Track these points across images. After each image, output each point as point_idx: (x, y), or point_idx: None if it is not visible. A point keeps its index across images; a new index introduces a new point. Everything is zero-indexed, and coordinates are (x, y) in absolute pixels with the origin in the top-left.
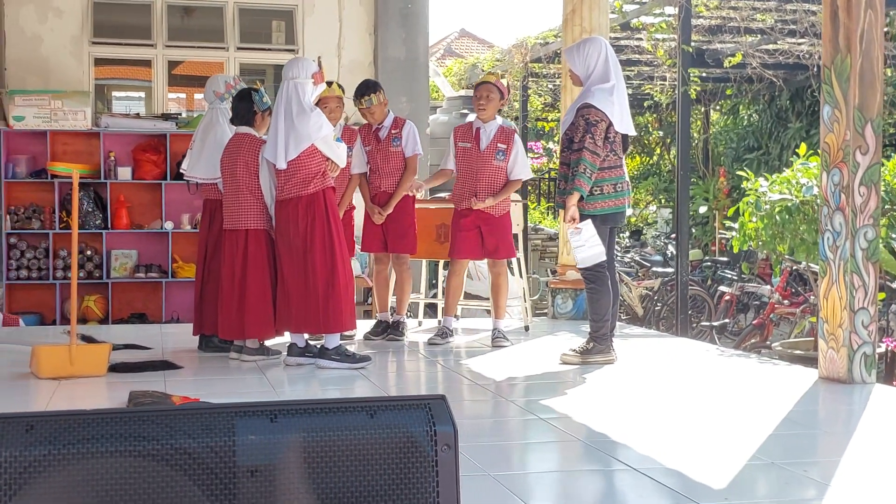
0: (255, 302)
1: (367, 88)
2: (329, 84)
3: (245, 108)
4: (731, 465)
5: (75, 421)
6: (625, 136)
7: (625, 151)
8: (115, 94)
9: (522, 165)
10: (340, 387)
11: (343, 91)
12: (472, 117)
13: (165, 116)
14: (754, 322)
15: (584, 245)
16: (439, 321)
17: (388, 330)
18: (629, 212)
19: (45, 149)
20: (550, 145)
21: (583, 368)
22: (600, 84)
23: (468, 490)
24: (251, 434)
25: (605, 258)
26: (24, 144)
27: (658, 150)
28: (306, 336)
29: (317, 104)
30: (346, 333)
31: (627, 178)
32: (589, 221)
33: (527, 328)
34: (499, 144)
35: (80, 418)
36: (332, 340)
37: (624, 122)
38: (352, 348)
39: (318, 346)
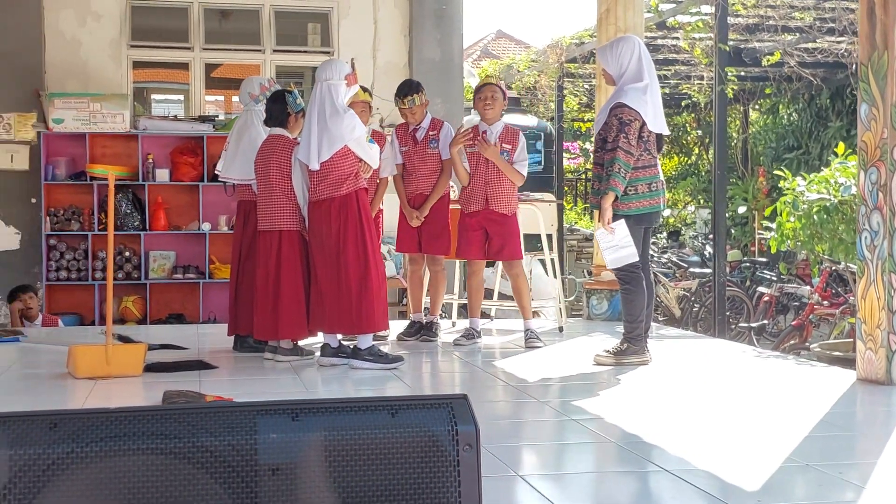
0: (288, 303)
1: (410, 88)
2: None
3: (279, 109)
4: (766, 467)
5: (98, 419)
6: (659, 136)
7: (659, 151)
8: (155, 96)
9: (521, 163)
10: (373, 387)
11: (371, 95)
12: (476, 120)
13: (202, 119)
14: (793, 323)
15: (615, 245)
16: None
17: (422, 331)
18: (666, 212)
19: (85, 151)
20: (587, 146)
21: (616, 370)
22: (633, 83)
23: (497, 491)
24: (273, 432)
25: (635, 259)
26: (64, 147)
27: (696, 150)
28: (339, 336)
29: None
30: (379, 334)
31: (662, 178)
32: (622, 222)
33: (561, 329)
34: (504, 145)
35: (103, 416)
36: (365, 341)
37: (658, 122)
38: (385, 349)
39: (352, 347)
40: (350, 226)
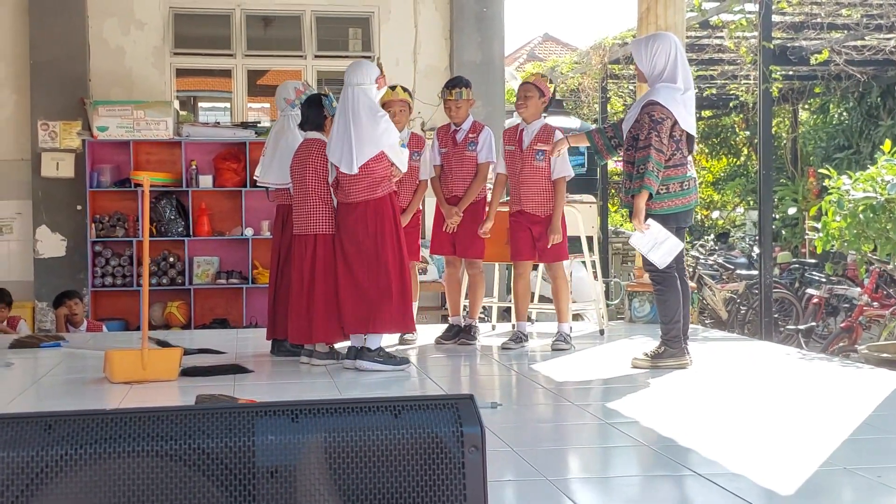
0: (323, 306)
1: (459, 82)
2: (393, 88)
3: (315, 113)
4: (803, 470)
5: (94, 421)
6: (690, 137)
7: (690, 153)
8: (202, 104)
9: (563, 163)
10: (410, 392)
11: (411, 96)
12: (517, 119)
13: (245, 125)
14: (842, 325)
15: (655, 243)
16: (513, 325)
17: (460, 334)
18: (715, 214)
19: (129, 158)
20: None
21: (654, 373)
22: (668, 83)
23: (530, 496)
24: (271, 434)
25: (681, 246)
26: (109, 154)
27: (745, 151)
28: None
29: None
30: (408, 337)
31: (695, 176)
32: (650, 220)
33: (602, 332)
34: (540, 144)
35: (98, 418)
36: (376, 341)
37: (689, 123)
38: (413, 353)
39: (360, 347)
40: (387, 228)
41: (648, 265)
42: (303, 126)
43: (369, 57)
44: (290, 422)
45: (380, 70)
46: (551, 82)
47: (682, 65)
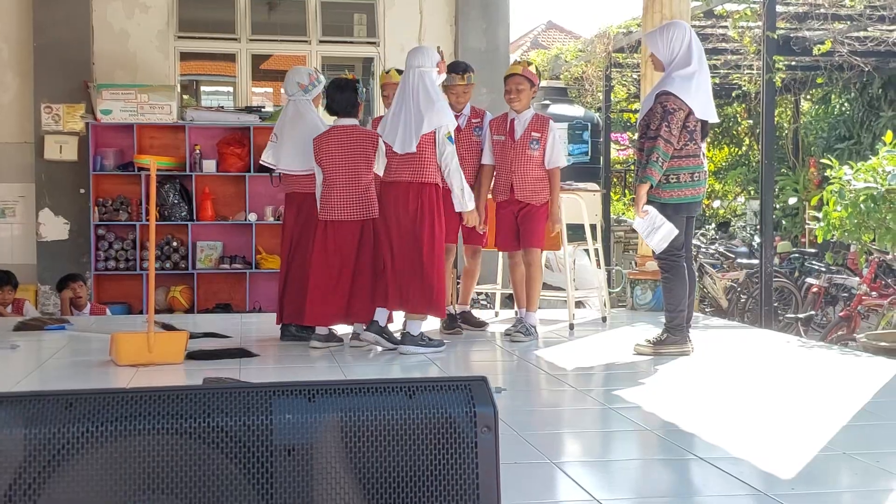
0: (370, 288)
1: (467, 66)
2: (387, 71)
3: (349, 98)
4: (802, 455)
5: (114, 399)
6: (705, 123)
7: (704, 138)
8: (205, 88)
9: (558, 153)
10: (410, 374)
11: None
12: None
13: (249, 109)
14: (841, 314)
15: (653, 228)
16: (516, 313)
17: (455, 322)
18: (716, 203)
19: (132, 142)
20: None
21: (657, 359)
22: (681, 70)
23: (533, 479)
24: (288, 413)
25: (676, 232)
26: (112, 138)
27: (747, 141)
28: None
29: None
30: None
31: (706, 168)
32: (649, 207)
33: (604, 319)
34: (532, 133)
35: (118, 396)
36: (416, 327)
37: (707, 110)
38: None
39: (401, 333)
40: (426, 211)
41: (658, 253)
42: (334, 111)
43: (374, 42)
44: (307, 401)
45: (441, 56)
46: (537, 69)
47: (697, 47)
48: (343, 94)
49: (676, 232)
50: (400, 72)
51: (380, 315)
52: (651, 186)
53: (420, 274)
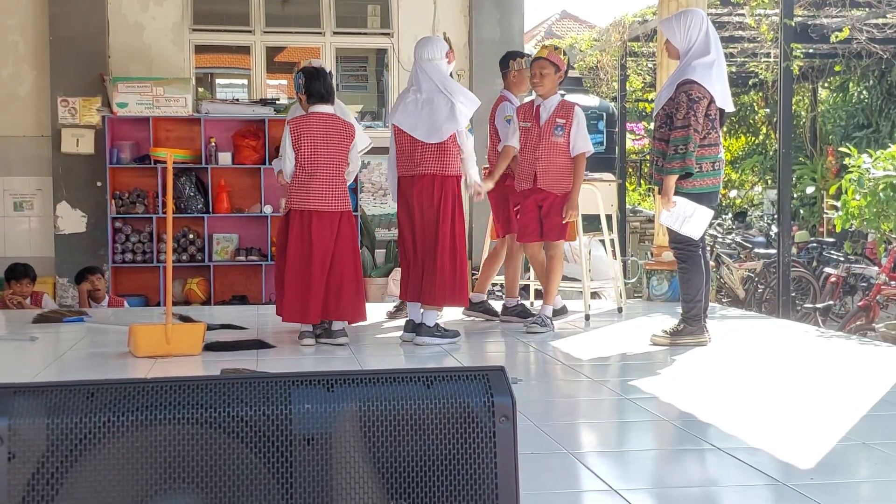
0: (350, 284)
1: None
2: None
3: (328, 85)
4: (821, 445)
5: (135, 389)
6: (722, 112)
7: (721, 126)
8: (220, 81)
9: (583, 139)
10: (428, 365)
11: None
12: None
13: (264, 102)
14: (859, 304)
15: (684, 217)
16: (517, 303)
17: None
18: (732, 193)
19: (148, 135)
20: (652, 126)
21: (673, 350)
22: (700, 58)
23: (551, 469)
24: (307, 403)
25: (711, 214)
26: (128, 130)
27: (764, 130)
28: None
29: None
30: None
31: (723, 157)
32: (676, 196)
33: (620, 310)
34: (557, 119)
35: (139, 386)
36: (432, 317)
37: (725, 98)
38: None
39: (417, 323)
40: (449, 202)
41: (674, 243)
42: (315, 100)
43: (388, 34)
44: (326, 391)
45: (448, 45)
46: (565, 54)
47: (714, 36)
48: (320, 82)
49: (712, 213)
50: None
51: (414, 313)
52: (683, 176)
53: (443, 265)
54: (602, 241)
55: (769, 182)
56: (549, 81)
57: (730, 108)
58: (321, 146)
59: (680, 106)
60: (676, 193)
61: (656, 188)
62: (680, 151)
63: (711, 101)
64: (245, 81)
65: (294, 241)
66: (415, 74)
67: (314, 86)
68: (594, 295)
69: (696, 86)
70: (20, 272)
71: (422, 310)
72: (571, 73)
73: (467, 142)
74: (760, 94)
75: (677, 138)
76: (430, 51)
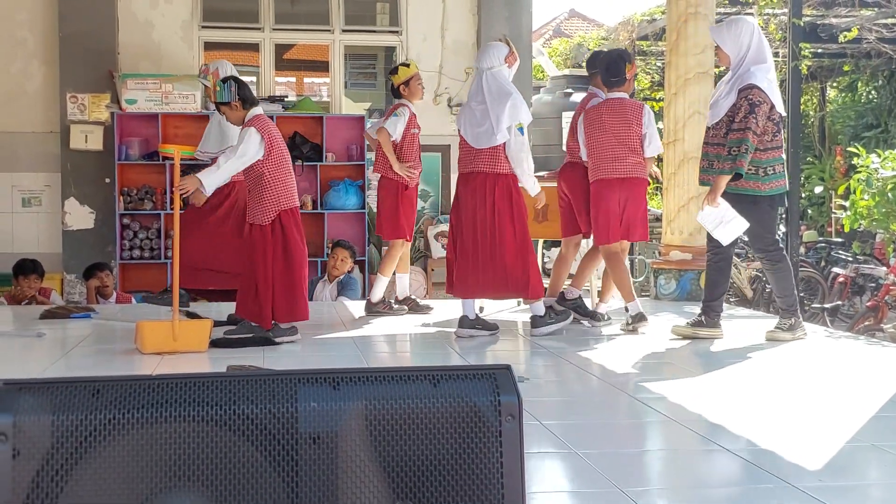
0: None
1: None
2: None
3: (251, 92)
4: (830, 446)
5: (140, 386)
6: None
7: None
8: None
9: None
10: (434, 363)
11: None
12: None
13: (272, 99)
14: (868, 304)
15: (722, 221)
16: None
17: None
18: None
19: (157, 131)
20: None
21: (679, 351)
22: (758, 64)
23: (555, 468)
24: (313, 401)
25: (746, 226)
26: (137, 127)
27: None
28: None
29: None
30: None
31: (784, 158)
32: (720, 199)
33: (627, 309)
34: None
35: (144, 383)
36: (539, 308)
37: (779, 103)
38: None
39: (468, 315)
40: (504, 199)
41: (759, 253)
42: (250, 105)
43: (397, 31)
44: (332, 389)
45: (509, 47)
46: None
47: (765, 43)
48: (247, 87)
49: (747, 225)
50: (408, 65)
51: (467, 308)
52: (740, 177)
53: (506, 260)
54: None
55: None
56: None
57: (783, 112)
58: (277, 150)
59: (740, 109)
60: (755, 196)
61: (703, 188)
62: (733, 153)
63: (773, 106)
64: (254, 79)
65: (299, 241)
66: (476, 82)
67: (246, 93)
68: None
69: (757, 90)
70: (28, 268)
71: (528, 304)
72: (579, 72)
73: (517, 140)
74: None
75: (733, 140)
76: (489, 60)
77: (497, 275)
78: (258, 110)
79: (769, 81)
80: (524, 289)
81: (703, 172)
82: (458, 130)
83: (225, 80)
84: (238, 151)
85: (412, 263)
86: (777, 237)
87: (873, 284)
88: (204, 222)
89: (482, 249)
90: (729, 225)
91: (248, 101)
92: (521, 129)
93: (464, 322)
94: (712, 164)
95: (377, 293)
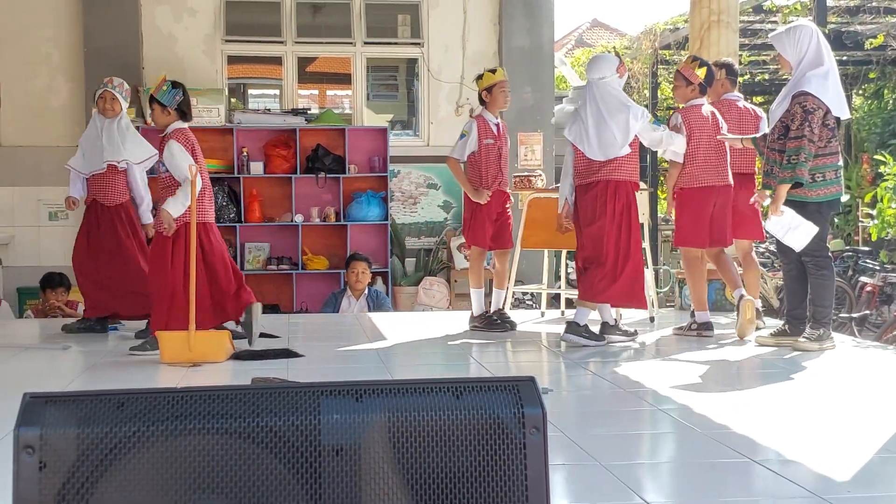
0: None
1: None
2: (493, 71)
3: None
4: (858, 457)
5: (164, 399)
6: (838, 119)
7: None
8: (252, 91)
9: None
10: (458, 375)
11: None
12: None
13: (295, 112)
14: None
15: (790, 228)
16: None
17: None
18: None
19: None
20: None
21: (700, 360)
22: (814, 69)
23: (579, 479)
24: (336, 413)
25: (816, 230)
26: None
27: None
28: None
29: None
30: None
31: (842, 164)
32: (784, 207)
33: (652, 319)
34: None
35: (168, 396)
36: (583, 317)
37: (840, 107)
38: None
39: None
40: (622, 207)
41: (806, 256)
42: (189, 118)
43: (418, 43)
44: (355, 401)
45: (619, 59)
46: (702, 66)
47: (826, 47)
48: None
49: (817, 229)
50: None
51: (579, 314)
52: (801, 185)
53: (608, 266)
54: None
55: None
56: (679, 94)
57: (845, 115)
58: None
59: (795, 117)
60: (804, 203)
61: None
62: (792, 161)
63: (827, 111)
64: (277, 92)
65: (219, 250)
66: (586, 92)
67: (184, 107)
68: None
69: (811, 97)
70: (55, 281)
71: (576, 304)
72: None
73: (657, 135)
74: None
75: (791, 149)
76: (599, 70)
77: (623, 282)
78: (182, 125)
79: (825, 85)
80: (633, 299)
81: (766, 177)
82: (572, 143)
83: (176, 85)
84: (177, 171)
85: (434, 274)
86: (827, 244)
87: None
88: (100, 252)
89: (609, 257)
90: (798, 230)
91: (184, 114)
92: (655, 122)
93: (572, 328)
94: (772, 169)
95: (475, 307)
